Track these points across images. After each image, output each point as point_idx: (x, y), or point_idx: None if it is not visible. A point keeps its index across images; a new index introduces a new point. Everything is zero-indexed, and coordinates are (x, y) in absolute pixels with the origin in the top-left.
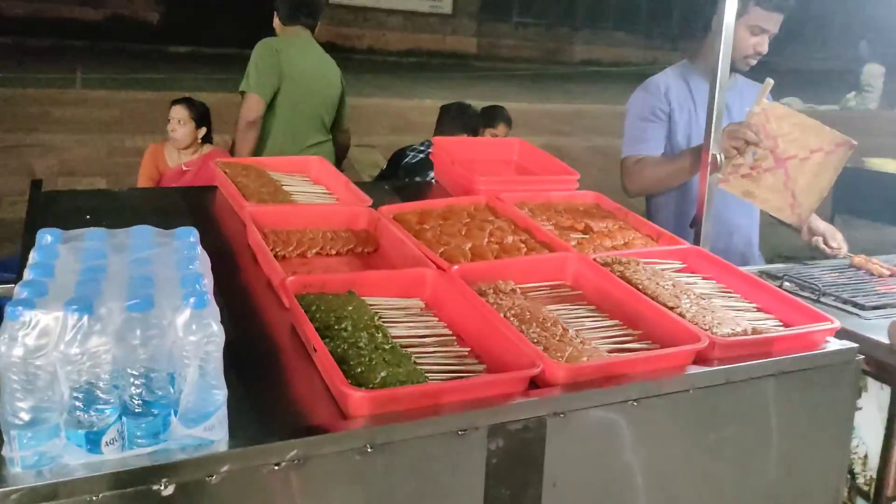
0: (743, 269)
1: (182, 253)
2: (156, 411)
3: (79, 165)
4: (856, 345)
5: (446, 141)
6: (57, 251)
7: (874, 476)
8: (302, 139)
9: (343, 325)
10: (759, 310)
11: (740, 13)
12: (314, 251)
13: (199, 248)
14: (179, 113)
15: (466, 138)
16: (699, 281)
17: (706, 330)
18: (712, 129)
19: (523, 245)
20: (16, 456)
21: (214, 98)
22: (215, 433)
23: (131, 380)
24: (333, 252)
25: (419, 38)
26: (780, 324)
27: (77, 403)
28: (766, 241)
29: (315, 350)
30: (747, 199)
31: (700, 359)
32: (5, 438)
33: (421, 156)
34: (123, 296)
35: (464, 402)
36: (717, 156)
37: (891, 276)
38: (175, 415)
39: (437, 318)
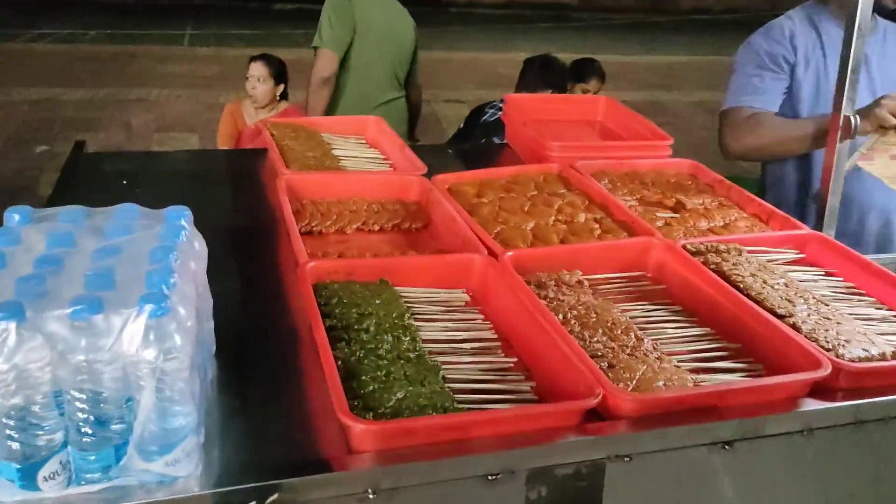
0: (878, 260)
1: (161, 240)
2: (107, 441)
3: (175, 121)
4: None
5: (520, 98)
6: (19, 235)
7: None
8: (376, 95)
9: (365, 325)
10: None
11: None
12: (354, 226)
13: (187, 234)
14: (259, 70)
15: (545, 95)
16: (820, 278)
17: (828, 350)
18: (846, 85)
19: (597, 226)
20: None
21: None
22: (180, 468)
23: (76, 403)
24: (377, 228)
25: None
26: None
27: (7, 431)
28: None
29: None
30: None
31: (819, 390)
32: None
33: (500, 113)
34: (72, 297)
35: (497, 437)
36: (852, 117)
37: None
38: (132, 445)
39: (482, 317)
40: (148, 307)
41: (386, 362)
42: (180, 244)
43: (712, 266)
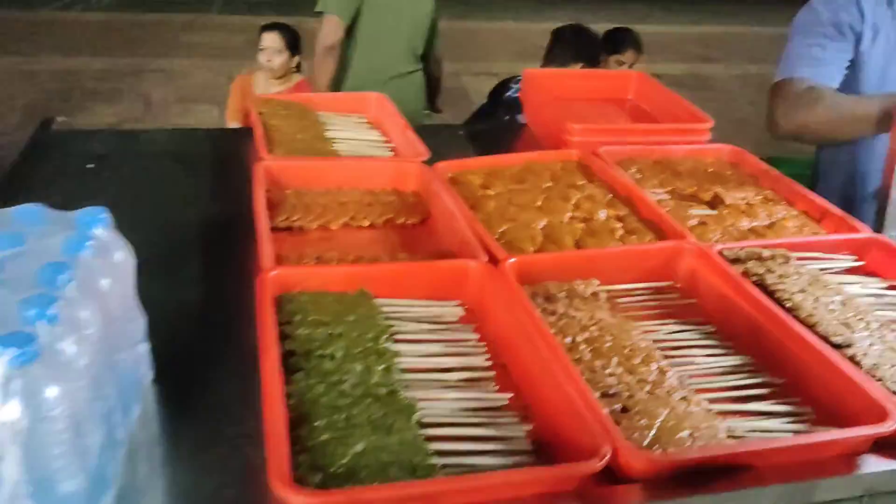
0: None
1: (60, 254)
2: None
3: (195, 92)
4: None
5: (538, 74)
6: None
7: None
8: (387, 68)
9: (330, 351)
10: None
11: None
12: (341, 222)
13: (97, 245)
14: (274, 41)
15: (568, 70)
16: (884, 292)
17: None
18: None
19: (619, 225)
20: None
21: None
22: None
23: None
24: (367, 223)
25: None
26: None
27: None
28: None
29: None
30: None
31: (883, 445)
32: None
33: None
34: None
35: None
36: None
37: None
38: None
39: (476, 337)
40: (8, 352)
41: (349, 401)
42: (81, 259)
43: (754, 278)
